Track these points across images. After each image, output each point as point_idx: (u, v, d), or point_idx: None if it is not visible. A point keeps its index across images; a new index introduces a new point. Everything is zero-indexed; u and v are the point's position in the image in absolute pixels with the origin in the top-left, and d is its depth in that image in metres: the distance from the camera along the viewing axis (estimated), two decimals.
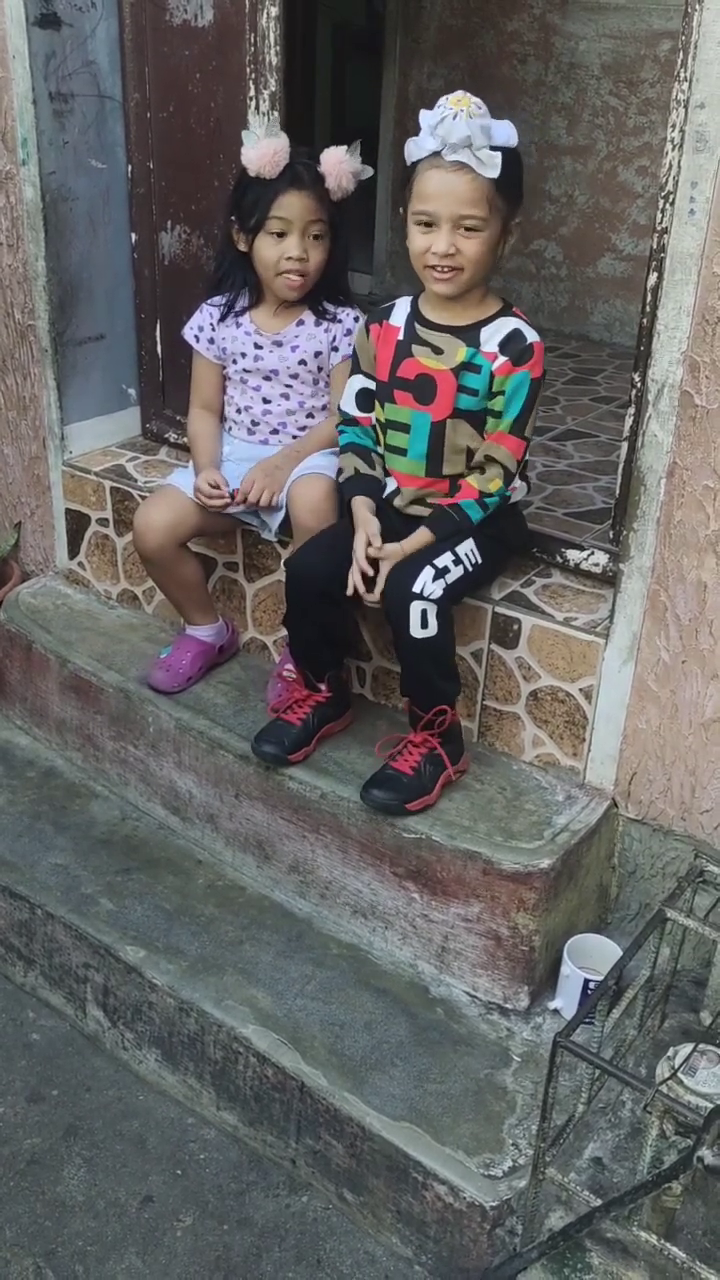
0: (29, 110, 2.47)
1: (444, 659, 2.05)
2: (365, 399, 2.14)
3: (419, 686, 2.07)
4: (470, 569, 2.03)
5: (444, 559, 1.99)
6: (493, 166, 1.85)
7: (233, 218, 2.24)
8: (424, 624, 1.95)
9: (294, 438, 2.36)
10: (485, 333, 1.99)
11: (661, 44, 3.63)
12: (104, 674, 2.53)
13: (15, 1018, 2.30)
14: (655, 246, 1.82)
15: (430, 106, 1.91)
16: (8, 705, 2.83)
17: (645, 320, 1.89)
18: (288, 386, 2.34)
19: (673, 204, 1.76)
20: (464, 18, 4.04)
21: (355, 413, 2.15)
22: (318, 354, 2.30)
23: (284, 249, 2.19)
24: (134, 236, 2.72)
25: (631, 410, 1.97)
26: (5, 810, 2.51)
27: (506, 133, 1.88)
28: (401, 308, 2.09)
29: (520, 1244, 1.70)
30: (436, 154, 1.87)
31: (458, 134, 1.83)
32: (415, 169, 1.91)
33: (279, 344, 2.30)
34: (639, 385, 1.92)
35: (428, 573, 1.96)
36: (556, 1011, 2.04)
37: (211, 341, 2.35)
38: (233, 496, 2.27)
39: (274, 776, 2.23)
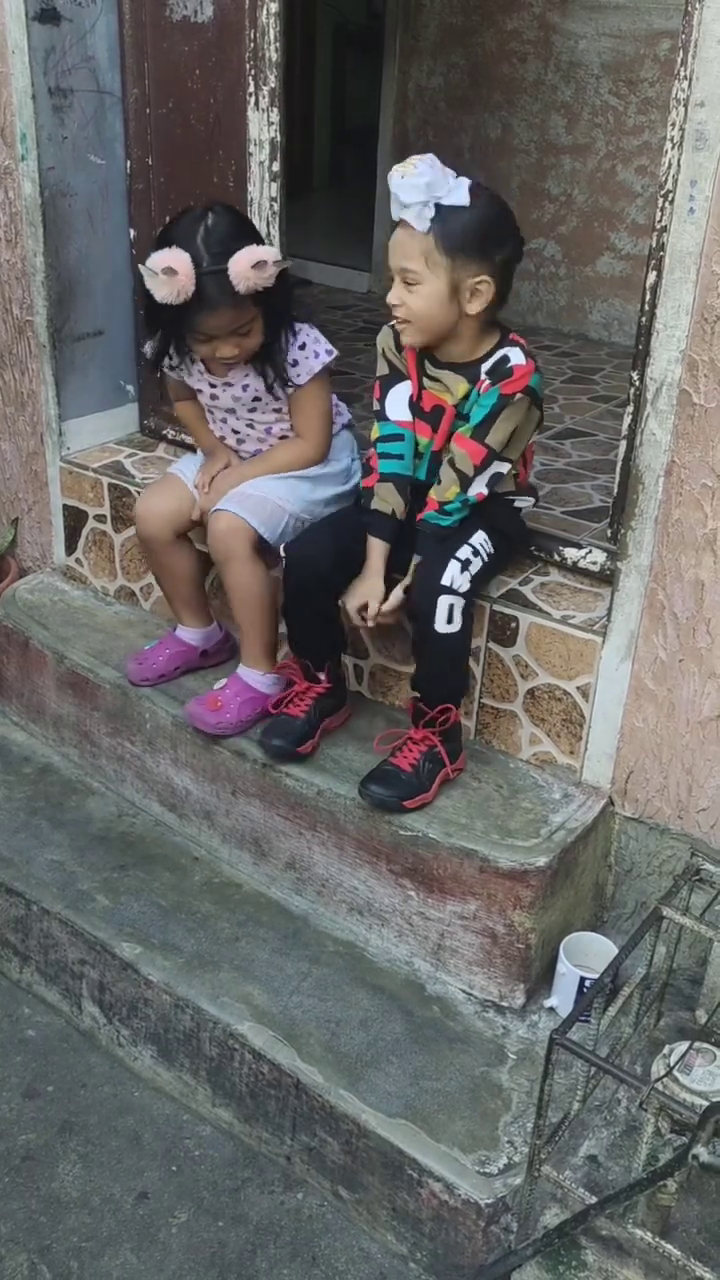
0: (28, 105, 2.47)
1: (461, 656, 2.06)
2: (413, 404, 2.12)
3: (433, 683, 2.07)
4: (487, 560, 2.05)
5: (464, 551, 2.01)
6: (420, 220, 1.88)
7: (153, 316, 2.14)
8: (449, 619, 1.97)
9: None
10: (484, 367, 2.01)
11: (661, 43, 3.63)
12: (101, 670, 2.53)
13: (11, 1014, 2.30)
14: (654, 245, 1.82)
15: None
16: (4, 701, 2.83)
17: (644, 319, 1.89)
18: (250, 417, 2.30)
19: (672, 203, 1.76)
20: (464, 16, 4.03)
21: (407, 420, 2.12)
22: (269, 388, 2.24)
23: (213, 349, 2.13)
24: (133, 232, 2.71)
25: (630, 409, 1.97)
26: (2, 806, 2.51)
27: (458, 193, 1.89)
28: None
29: (515, 1241, 1.70)
30: None
31: (393, 192, 1.89)
32: None
33: (229, 384, 2.25)
34: (637, 384, 1.92)
35: (454, 566, 1.98)
36: (552, 1009, 2.04)
37: (171, 369, 2.30)
38: None
39: (270, 773, 2.23)
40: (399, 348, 2.11)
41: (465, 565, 2.00)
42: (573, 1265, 1.59)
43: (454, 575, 1.97)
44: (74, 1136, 2.06)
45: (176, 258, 2.01)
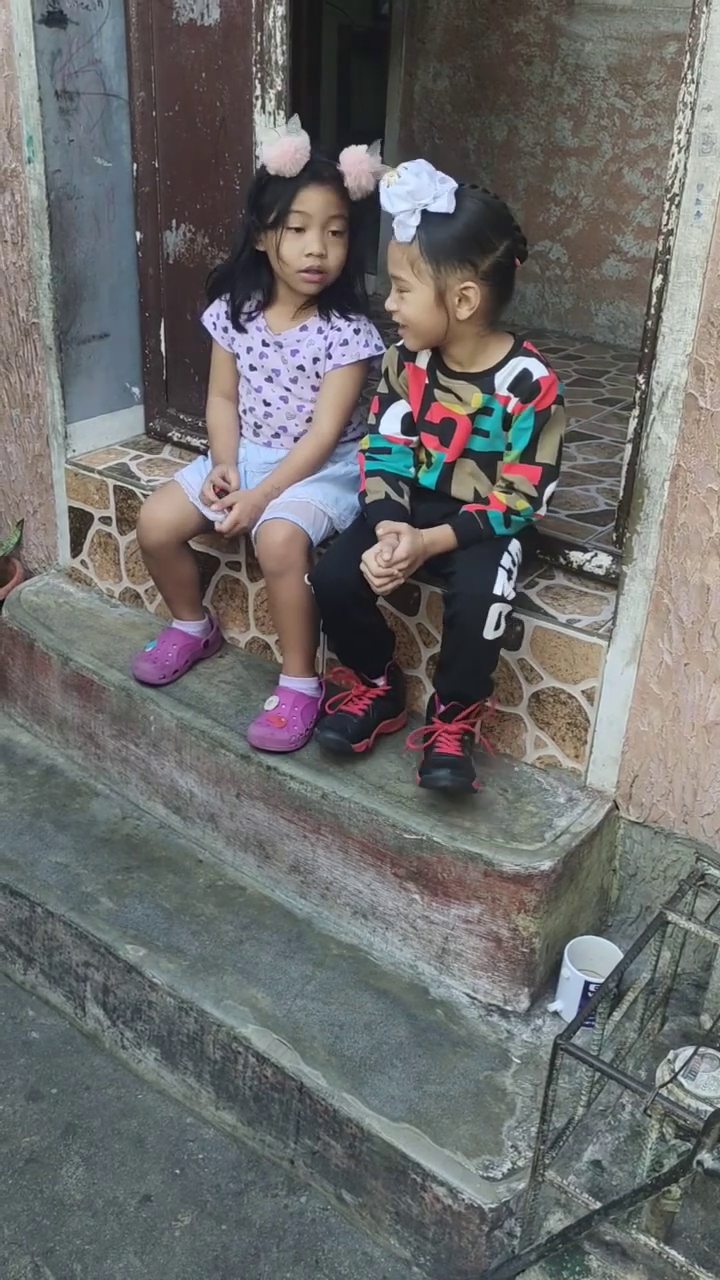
0: (35, 108, 2.47)
1: (496, 658, 2.07)
2: (410, 423, 2.12)
3: (469, 685, 2.06)
4: (514, 570, 2.05)
5: (506, 560, 2.01)
6: (403, 230, 1.89)
7: (252, 217, 2.21)
8: (497, 625, 1.97)
9: (296, 440, 2.36)
10: (499, 377, 2.00)
11: (668, 46, 3.63)
12: (106, 673, 2.53)
13: (15, 1016, 2.30)
14: (660, 249, 1.82)
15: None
16: (9, 703, 2.83)
17: (650, 323, 1.88)
18: (287, 389, 2.33)
19: (678, 206, 1.76)
20: (470, 18, 4.03)
21: (399, 436, 2.12)
22: (315, 360, 2.29)
23: (304, 244, 2.17)
24: (139, 235, 2.72)
25: (635, 412, 1.96)
26: (6, 808, 2.51)
27: (444, 200, 1.87)
28: (424, 351, 2.08)
29: (519, 1246, 1.70)
30: None
31: (383, 205, 1.90)
32: None
33: (281, 345, 2.30)
34: (643, 387, 1.91)
35: (502, 574, 1.98)
36: (556, 1014, 2.04)
37: (226, 330, 2.35)
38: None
39: (275, 776, 2.23)
40: (401, 369, 2.10)
41: (509, 574, 2.00)
42: (576, 1270, 1.59)
43: (503, 584, 1.97)
44: (77, 1139, 2.06)
45: (301, 133, 2.14)
